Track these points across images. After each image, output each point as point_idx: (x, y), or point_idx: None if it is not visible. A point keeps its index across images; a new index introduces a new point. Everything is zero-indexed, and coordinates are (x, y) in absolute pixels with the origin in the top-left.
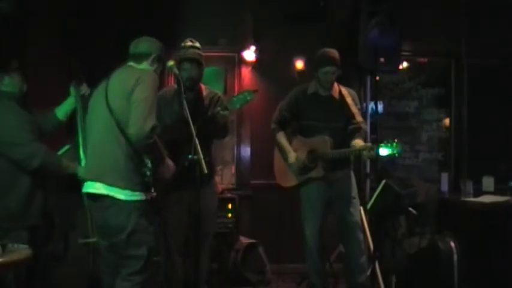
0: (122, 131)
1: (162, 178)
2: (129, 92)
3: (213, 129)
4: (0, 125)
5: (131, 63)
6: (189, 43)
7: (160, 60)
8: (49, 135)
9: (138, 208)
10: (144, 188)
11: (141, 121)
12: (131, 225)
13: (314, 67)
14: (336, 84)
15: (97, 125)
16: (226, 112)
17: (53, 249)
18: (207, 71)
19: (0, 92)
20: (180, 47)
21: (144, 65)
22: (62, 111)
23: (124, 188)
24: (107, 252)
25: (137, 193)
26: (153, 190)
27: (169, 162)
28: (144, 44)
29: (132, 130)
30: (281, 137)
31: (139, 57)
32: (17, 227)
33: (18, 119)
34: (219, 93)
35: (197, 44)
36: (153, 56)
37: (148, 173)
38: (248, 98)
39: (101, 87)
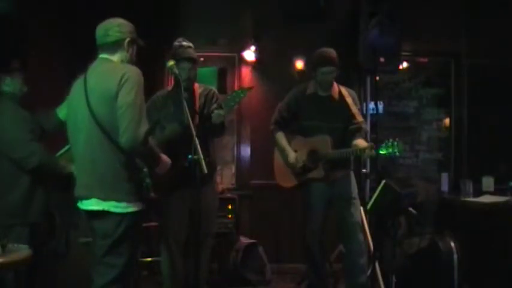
0: (111, 139)
1: (158, 175)
2: (113, 96)
3: (210, 127)
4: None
5: (105, 56)
6: (185, 43)
7: (134, 42)
8: (51, 135)
9: (129, 219)
10: (141, 196)
11: (132, 128)
12: (118, 234)
13: (312, 68)
14: (335, 84)
15: (81, 134)
16: (221, 110)
17: (54, 248)
18: (207, 70)
19: (1, 92)
20: (175, 46)
21: (120, 54)
22: (62, 112)
23: (119, 200)
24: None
25: (132, 204)
26: (152, 193)
27: (164, 157)
28: (114, 31)
29: (125, 138)
30: (280, 138)
31: (112, 47)
32: (18, 224)
33: (17, 119)
34: (213, 89)
35: (191, 44)
36: (126, 41)
37: (147, 179)
38: (242, 95)
39: (77, 88)
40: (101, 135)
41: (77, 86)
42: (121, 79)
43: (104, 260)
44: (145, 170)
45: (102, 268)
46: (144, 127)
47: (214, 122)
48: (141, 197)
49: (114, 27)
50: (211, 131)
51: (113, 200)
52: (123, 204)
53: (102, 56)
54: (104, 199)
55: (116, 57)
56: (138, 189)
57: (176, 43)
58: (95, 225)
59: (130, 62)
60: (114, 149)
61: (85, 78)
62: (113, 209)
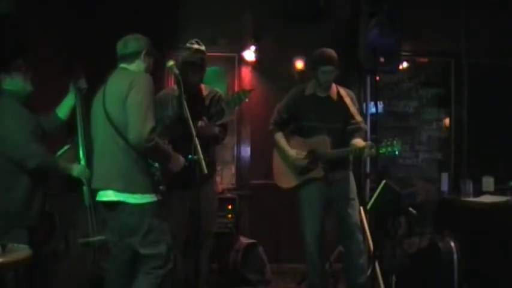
0: (123, 137)
1: (170, 171)
2: (124, 98)
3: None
4: (0, 125)
5: (124, 65)
6: (196, 46)
7: (151, 54)
8: (52, 136)
9: (149, 209)
10: (155, 188)
11: (139, 126)
12: (145, 226)
13: (313, 67)
14: (334, 85)
15: (99, 133)
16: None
17: (53, 248)
18: (208, 70)
19: (3, 91)
20: (185, 47)
21: (137, 64)
22: (62, 110)
23: (133, 192)
24: (116, 249)
25: (147, 195)
26: (163, 187)
27: (177, 155)
28: (132, 43)
29: (132, 135)
30: (279, 138)
31: (130, 57)
32: (16, 226)
33: (18, 119)
34: (220, 92)
35: (203, 47)
36: (143, 52)
37: (157, 173)
38: (243, 97)
39: (99, 94)
40: (114, 133)
41: (99, 93)
42: (131, 83)
43: (145, 253)
44: (156, 165)
45: (146, 259)
46: (150, 125)
47: (202, 134)
48: (155, 190)
49: (132, 40)
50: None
51: (128, 191)
52: (138, 195)
53: (121, 65)
54: (120, 190)
55: (133, 67)
56: (152, 182)
57: (187, 44)
58: (121, 222)
59: (147, 72)
60: (126, 145)
61: (105, 85)
62: (128, 200)
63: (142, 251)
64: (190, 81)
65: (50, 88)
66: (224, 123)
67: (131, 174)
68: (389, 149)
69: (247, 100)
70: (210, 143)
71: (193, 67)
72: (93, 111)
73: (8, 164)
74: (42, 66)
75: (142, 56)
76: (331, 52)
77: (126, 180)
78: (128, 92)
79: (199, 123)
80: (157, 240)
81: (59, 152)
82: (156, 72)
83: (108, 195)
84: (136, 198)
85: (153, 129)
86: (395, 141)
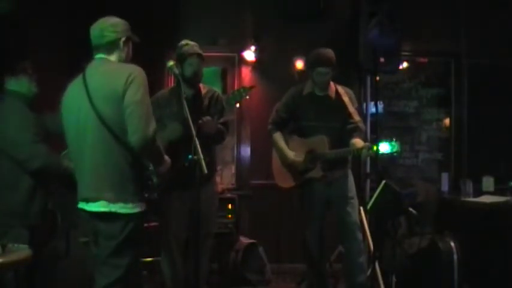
0: (118, 139)
1: (161, 173)
2: (119, 96)
3: (207, 136)
4: (4, 125)
5: (102, 55)
6: (192, 42)
7: (129, 39)
8: (58, 136)
9: (134, 220)
10: (143, 196)
11: (142, 126)
12: (123, 236)
13: (309, 67)
14: (332, 84)
15: (87, 135)
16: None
17: (54, 247)
18: (207, 71)
19: (8, 92)
20: (181, 45)
21: (116, 54)
22: None
23: (127, 201)
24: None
25: (137, 204)
26: (156, 193)
27: (165, 158)
28: (110, 31)
29: (136, 137)
30: (278, 138)
31: (109, 47)
32: (18, 225)
33: (22, 119)
34: (217, 91)
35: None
36: (122, 40)
37: (154, 178)
38: (243, 94)
39: (76, 89)
40: (107, 135)
41: (75, 87)
42: (127, 79)
43: (108, 261)
44: (151, 168)
45: (106, 269)
46: (153, 125)
47: (204, 131)
48: (144, 198)
49: (109, 28)
50: (208, 139)
51: (121, 201)
52: (130, 205)
53: (99, 56)
54: (113, 201)
55: (113, 57)
56: (142, 190)
57: (182, 42)
58: (100, 227)
59: (127, 60)
60: (121, 149)
61: (84, 79)
62: (120, 210)
63: (106, 258)
64: (197, 72)
65: (49, 88)
66: (226, 121)
67: (125, 182)
68: (389, 147)
69: (247, 97)
70: (212, 141)
71: (198, 58)
72: (71, 106)
73: (9, 163)
74: (42, 66)
75: (121, 43)
76: (328, 53)
77: (120, 189)
78: (124, 88)
79: (203, 119)
80: (127, 253)
81: (65, 152)
82: (156, 72)
83: (99, 206)
84: (128, 209)
85: (155, 130)
86: (394, 142)
